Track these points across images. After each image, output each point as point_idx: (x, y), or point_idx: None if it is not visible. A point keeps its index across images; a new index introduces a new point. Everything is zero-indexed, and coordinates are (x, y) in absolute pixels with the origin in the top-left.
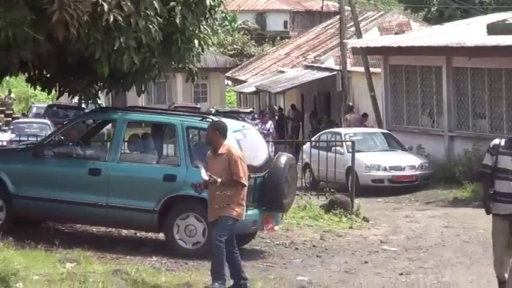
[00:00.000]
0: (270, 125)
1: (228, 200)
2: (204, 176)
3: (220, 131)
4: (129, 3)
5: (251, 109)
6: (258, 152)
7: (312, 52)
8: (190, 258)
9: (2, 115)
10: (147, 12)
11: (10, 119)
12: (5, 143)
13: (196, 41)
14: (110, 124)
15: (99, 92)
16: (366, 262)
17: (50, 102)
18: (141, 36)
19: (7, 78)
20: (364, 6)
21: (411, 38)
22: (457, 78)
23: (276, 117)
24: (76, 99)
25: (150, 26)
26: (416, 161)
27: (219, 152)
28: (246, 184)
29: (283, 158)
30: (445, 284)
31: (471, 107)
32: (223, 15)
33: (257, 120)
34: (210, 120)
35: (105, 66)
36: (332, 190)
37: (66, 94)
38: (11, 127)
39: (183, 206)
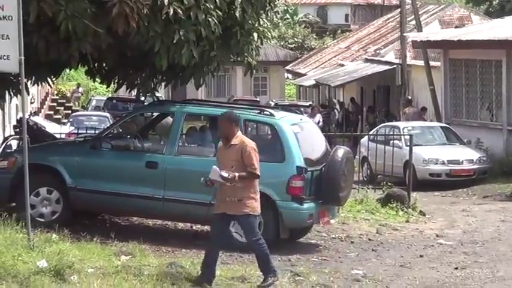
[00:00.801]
0: (318, 117)
1: (240, 194)
2: (223, 174)
3: (234, 121)
4: None
5: (310, 102)
6: (315, 145)
7: (372, 45)
8: (246, 251)
9: (62, 108)
10: (207, 5)
11: (70, 111)
12: (63, 136)
13: (255, 35)
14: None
15: (158, 85)
16: (421, 256)
17: (110, 95)
18: (200, 29)
19: (67, 70)
20: (425, 0)
21: (471, 31)
22: None
23: (337, 111)
24: (135, 92)
25: (210, 19)
26: (475, 155)
27: (232, 143)
28: (259, 175)
29: (341, 151)
30: (500, 278)
31: None
32: (285, 8)
33: (305, 115)
34: (268, 113)
35: (164, 59)
36: (389, 184)
37: (125, 87)
38: (71, 120)
39: None
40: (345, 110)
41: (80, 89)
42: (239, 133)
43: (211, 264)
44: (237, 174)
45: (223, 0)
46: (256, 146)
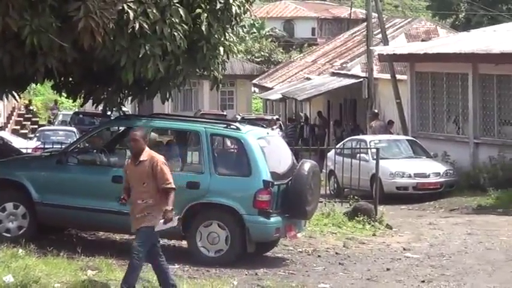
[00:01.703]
0: (277, 132)
1: (150, 209)
2: (174, 218)
3: (144, 137)
4: (154, 11)
5: (277, 116)
6: (281, 159)
7: (338, 59)
8: (213, 266)
9: (29, 122)
10: (172, 19)
11: (36, 126)
12: (30, 151)
13: (221, 49)
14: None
15: (124, 99)
16: (388, 269)
17: (76, 110)
18: (166, 43)
19: (33, 85)
20: (391, 13)
21: (438, 44)
22: (483, 85)
23: (301, 124)
24: (101, 107)
25: (175, 34)
26: (441, 168)
27: (141, 159)
28: (175, 187)
29: (307, 165)
30: None
31: (497, 114)
32: (251, 22)
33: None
34: (234, 127)
35: (130, 73)
36: (356, 197)
37: (91, 101)
38: (37, 134)
39: (206, 214)
40: (311, 125)
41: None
42: (146, 148)
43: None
44: (169, 207)
45: (188, 15)
46: (223, 160)
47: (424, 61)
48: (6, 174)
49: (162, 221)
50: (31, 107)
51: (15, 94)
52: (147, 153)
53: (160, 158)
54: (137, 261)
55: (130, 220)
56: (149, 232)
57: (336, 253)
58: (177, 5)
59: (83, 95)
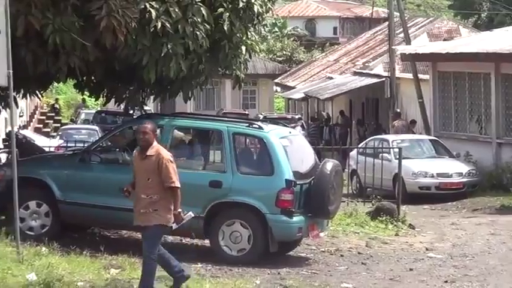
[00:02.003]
0: (299, 131)
1: (155, 206)
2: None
3: (154, 131)
4: (176, 10)
5: (299, 115)
6: (304, 158)
7: (361, 58)
8: (235, 264)
9: (51, 121)
10: (195, 18)
11: (59, 125)
12: (53, 149)
13: (243, 48)
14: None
15: (146, 98)
16: (411, 269)
17: (99, 109)
18: (188, 42)
19: (56, 83)
20: (414, 13)
21: (460, 44)
22: (505, 84)
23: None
24: (123, 106)
25: (198, 33)
26: (464, 168)
27: (148, 153)
28: (179, 186)
29: (329, 164)
30: None
31: None
32: (273, 21)
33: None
34: (257, 126)
35: (152, 72)
36: (379, 197)
37: (113, 100)
38: (60, 133)
39: (229, 213)
40: (331, 125)
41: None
42: (155, 143)
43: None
44: (177, 211)
45: (210, 14)
46: (246, 159)
47: (446, 60)
48: (29, 172)
49: (174, 224)
50: (56, 106)
51: (38, 93)
52: (154, 149)
53: (166, 155)
54: (152, 264)
55: (134, 214)
56: (159, 231)
57: (359, 253)
58: (199, 4)
59: (105, 94)
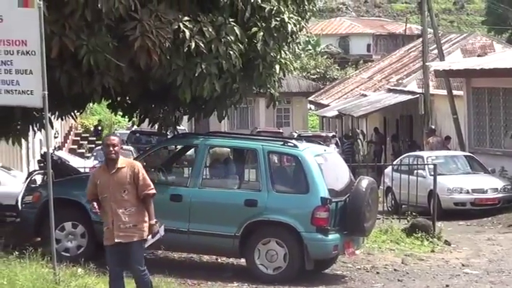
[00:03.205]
0: (333, 149)
1: (134, 220)
2: (160, 231)
3: (121, 143)
4: (210, 30)
5: (333, 133)
6: (339, 175)
7: (394, 75)
8: (271, 283)
9: (86, 142)
10: (228, 38)
11: (93, 145)
12: (87, 170)
13: (277, 66)
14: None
15: (180, 118)
16: (447, 286)
17: (133, 129)
18: (222, 62)
19: (91, 104)
20: (447, 29)
21: (494, 60)
22: None
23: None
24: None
25: (231, 52)
26: (499, 183)
27: (119, 166)
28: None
29: (365, 181)
30: None
31: None
32: (307, 39)
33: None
34: (292, 144)
35: (187, 92)
36: (414, 214)
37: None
38: (94, 154)
39: (264, 231)
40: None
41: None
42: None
43: None
44: (153, 221)
45: (244, 33)
46: (281, 177)
47: (480, 76)
48: (64, 193)
49: (149, 236)
50: (99, 127)
51: (73, 114)
52: (123, 160)
53: (138, 163)
54: (146, 276)
55: (110, 231)
56: (141, 246)
57: (395, 270)
58: (233, 23)
59: (139, 114)
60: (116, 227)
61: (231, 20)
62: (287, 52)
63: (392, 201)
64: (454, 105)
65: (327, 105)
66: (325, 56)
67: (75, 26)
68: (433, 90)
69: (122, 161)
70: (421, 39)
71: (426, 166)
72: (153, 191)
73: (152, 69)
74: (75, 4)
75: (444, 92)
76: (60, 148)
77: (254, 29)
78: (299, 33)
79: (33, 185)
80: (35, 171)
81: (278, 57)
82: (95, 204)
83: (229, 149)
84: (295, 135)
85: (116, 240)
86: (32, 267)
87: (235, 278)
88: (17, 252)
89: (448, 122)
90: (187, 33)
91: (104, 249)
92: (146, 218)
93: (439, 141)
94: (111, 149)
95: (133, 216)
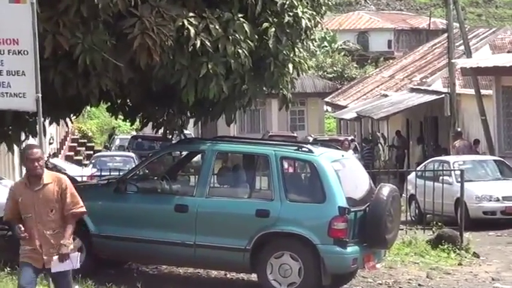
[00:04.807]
0: (352, 153)
1: (60, 241)
2: (69, 253)
3: (43, 156)
4: (217, 27)
5: (351, 137)
6: (358, 183)
7: (418, 74)
8: None
9: (83, 148)
10: (236, 35)
11: (92, 152)
12: (85, 179)
13: (290, 66)
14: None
15: (186, 122)
16: None
17: (134, 133)
18: (229, 61)
19: (88, 108)
20: (474, 23)
21: None
22: None
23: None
24: (161, 131)
25: (240, 51)
26: None
27: (45, 181)
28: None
29: (386, 189)
30: None
31: None
32: (322, 35)
33: None
34: (306, 149)
35: (191, 94)
36: (439, 224)
37: (150, 125)
38: (92, 161)
39: (278, 244)
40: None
41: None
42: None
43: None
44: (66, 241)
45: (254, 30)
46: (295, 185)
47: (511, 74)
48: None
49: (56, 257)
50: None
51: (68, 118)
52: (49, 174)
53: (65, 178)
54: None
55: (39, 254)
56: (70, 271)
57: (419, 285)
58: (241, 19)
59: (141, 118)
60: (45, 252)
61: (239, 15)
62: (301, 50)
63: (416, 211)
64: (482, 106)
65: (345, 107)
66: (342, 53)
67: (70, 23)
68: (460, 90)
69: (47, 176)
70: (446, 35)
71: (453, 172)
72: (83, 209)
73: (154, 69)
74: None
75: (472, 91)
76: (55, 155)
77: (265, 25)
78: (314, 29)
79: None
80: None
81: (291, 55)
82: (21, 227)
83: (238, 155)
84: (311, 139)
85: (46, 267)
86: None
87: None
88: (8, 268)
89: (476, 123)
90: (192, 30)
91: (102, 263)
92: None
93: (466, 145)
94: (36, 164)
95: (59, 239)
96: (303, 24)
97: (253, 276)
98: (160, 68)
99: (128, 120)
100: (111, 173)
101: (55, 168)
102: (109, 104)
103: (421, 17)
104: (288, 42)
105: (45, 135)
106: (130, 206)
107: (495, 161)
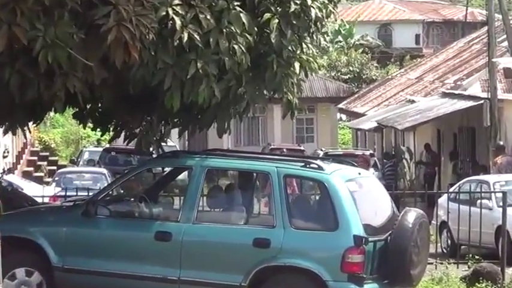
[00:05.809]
0: (371, 172)
1: None
2: None
3: None
4: (208, 17)
5: (371, 151)
6: (378, 207)
7: (451, 75)
8: None
9: (45, 163)
10: (232, 28)
11: (55, 167)
12: (47, 200)
13: (297, 65)
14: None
15: (168, 131)
16: None
17: (107, 145)
18: (223, 59)
19: (51, 114)
20: None
21: None
22: None
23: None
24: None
25: (235, 46)
26: None
27: None
28: None
29: (412, 215)
30: None
31: None
32: (336, 28)
33: None
34: (316, 166)
35: (177, 98)
36: (477, 257)
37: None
38: (56, 178)
39: (280, 280)
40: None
41: None
42: None
43: None
44: None
45: (253, 21)
46: (301, 209)
47: None
48: (15, 231)
49: None
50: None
51: (27, 127)
52: None
53: None
54: None
55: None
56: None
57: None
58: (238, 8)
59: (114, 127)
60: None
61: (236, 3)
62: (310, 45)
63: (449, 241)
64: None
65: (363, 115)
66: (360, 50)
67: (29, 12)
68: (502, 95)
69: None
70: (486, 28)
71: (493, 194)
72: None
73: (132, 68)
74: None
75: None
76: (10, 171)
77: (267, 16)
78: (326, 20)
79: None
80: None
81: (298, 52)
82: None
83: (233, 172)
84: (321, 153)
85: None
86: None
87: None
88: None
89: None
90: (178, 21)
91: None
92: None
93: (510, 162)
94: None
95: None
96: (313, 15)
97: None
98: (140, 67)
99: (98, 129)
100: (79, 193)
101: (10, 187)
102: (76, 109)
103: (456, 6)
104: (294, 37)
105: None
106: (102, 233)
107: None
